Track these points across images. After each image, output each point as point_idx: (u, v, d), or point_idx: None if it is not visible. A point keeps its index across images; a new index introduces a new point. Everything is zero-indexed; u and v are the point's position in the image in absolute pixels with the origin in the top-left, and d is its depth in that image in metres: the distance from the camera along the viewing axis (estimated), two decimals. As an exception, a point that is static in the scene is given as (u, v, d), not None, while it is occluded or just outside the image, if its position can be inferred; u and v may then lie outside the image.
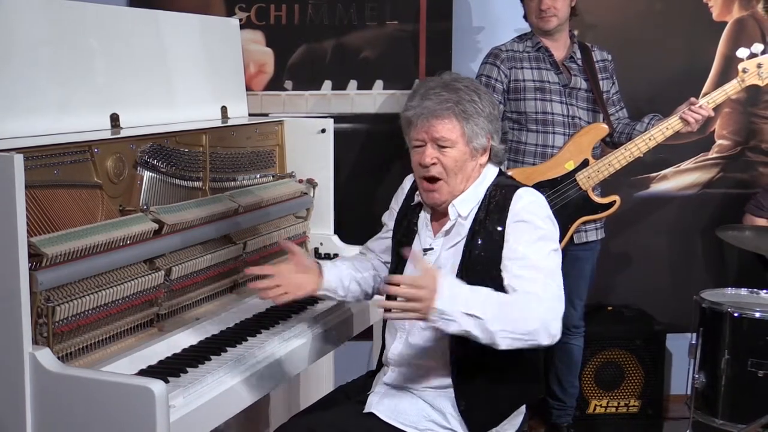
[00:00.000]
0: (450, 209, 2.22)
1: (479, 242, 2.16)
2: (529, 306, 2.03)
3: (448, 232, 2.23)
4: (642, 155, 3.31)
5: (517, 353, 2.06)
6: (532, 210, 2.15)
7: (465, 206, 2.21)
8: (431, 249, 2.24)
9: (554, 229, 2.18)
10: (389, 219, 2.42)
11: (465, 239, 2.19)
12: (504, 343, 2.00)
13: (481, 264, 2.14)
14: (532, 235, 2.12)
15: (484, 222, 2.17)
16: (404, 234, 2.33)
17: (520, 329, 2.00)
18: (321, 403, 2.39)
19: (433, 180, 2.19)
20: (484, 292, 2.02)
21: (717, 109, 3.35)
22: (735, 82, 3.28)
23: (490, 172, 2.27)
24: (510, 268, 2.11)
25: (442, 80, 2.21)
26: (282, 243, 2.46)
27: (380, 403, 2.22)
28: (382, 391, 2.26)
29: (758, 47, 3.30)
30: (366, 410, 2.23)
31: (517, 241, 2.12)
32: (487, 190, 2.22)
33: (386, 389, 2.26)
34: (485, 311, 1.97)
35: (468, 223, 2.20)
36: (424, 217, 2.30)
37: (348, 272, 2.41)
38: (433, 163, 2.16)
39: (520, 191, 2.18)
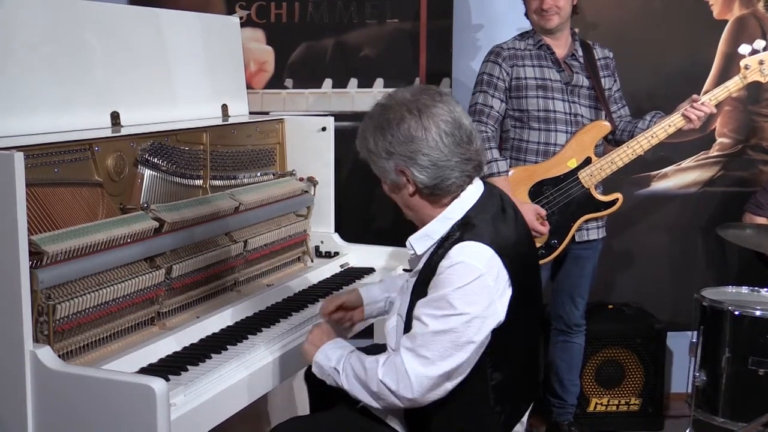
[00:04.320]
0: (407, 243, 2.13)
1: (422, 285, 2.06)
2: (372, 371, 2.04)
3: (411, 269, 2.19)
4: (644, 153, 3.30)
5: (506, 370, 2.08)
6: (450, 272, 1.97)
7: (420, 244, 2.10)
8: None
9: (464, 296, 1.95)
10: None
11: (416, 278, 2.11)
12: (364, 401, 2.09)
13: None
14: (431, 295, 2.00)
15: (428, 266, 2.06)
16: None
17: (364, 393, 2.06)
18: (320, 403, 2.39)
19: None
20: (352, 351, 2.13)
21: (718, 107, 3.35)
22: (737, 78, 3.28)
23: (459, 209, 2.07)
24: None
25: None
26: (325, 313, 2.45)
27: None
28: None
29: (760, 44, 3.29)
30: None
31: (422, 298, 2.03)
32: (447, 232, 2.05)
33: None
34: (345, 368, 2.09)
35: (422, 262, 2.11)
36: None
37: (379, 291, 2.50)
38: None
39: (455, 249, 1.99)
